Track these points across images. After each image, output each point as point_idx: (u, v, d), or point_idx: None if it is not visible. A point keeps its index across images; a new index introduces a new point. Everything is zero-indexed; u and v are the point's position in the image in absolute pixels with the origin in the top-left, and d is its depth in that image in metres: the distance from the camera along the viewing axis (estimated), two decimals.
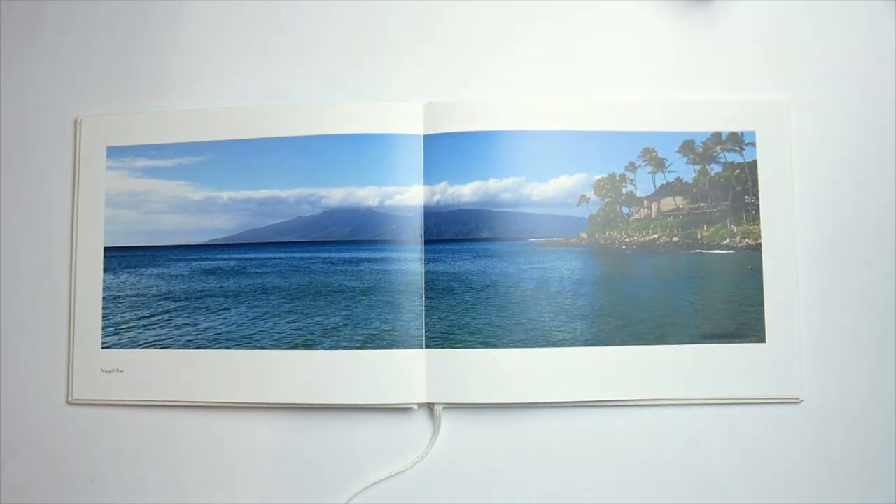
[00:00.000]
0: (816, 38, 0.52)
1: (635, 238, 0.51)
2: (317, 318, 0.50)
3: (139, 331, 0.51)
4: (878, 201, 0.50)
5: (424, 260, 0.50)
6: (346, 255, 0.52)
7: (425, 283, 0.50)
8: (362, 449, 0.50)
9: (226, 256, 0.53)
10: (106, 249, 0.52)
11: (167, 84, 0.54)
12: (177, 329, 0.51)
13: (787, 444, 0.48)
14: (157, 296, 0.52)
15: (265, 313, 0.51)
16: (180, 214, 0.53)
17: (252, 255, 0.53)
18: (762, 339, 0.48)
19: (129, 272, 0.52)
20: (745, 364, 0.48)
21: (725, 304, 0.49)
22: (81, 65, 0.54)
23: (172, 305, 0.52)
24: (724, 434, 0.49)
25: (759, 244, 0.50)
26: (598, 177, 0.51)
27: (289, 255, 0.53)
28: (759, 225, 0.50)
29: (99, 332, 0.51)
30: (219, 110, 0.53)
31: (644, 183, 0.51)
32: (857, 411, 0.49)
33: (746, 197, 0.50)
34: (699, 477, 0.49)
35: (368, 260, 0.51)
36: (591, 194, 0.51)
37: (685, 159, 0.51)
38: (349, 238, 0.52)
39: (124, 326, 0.51)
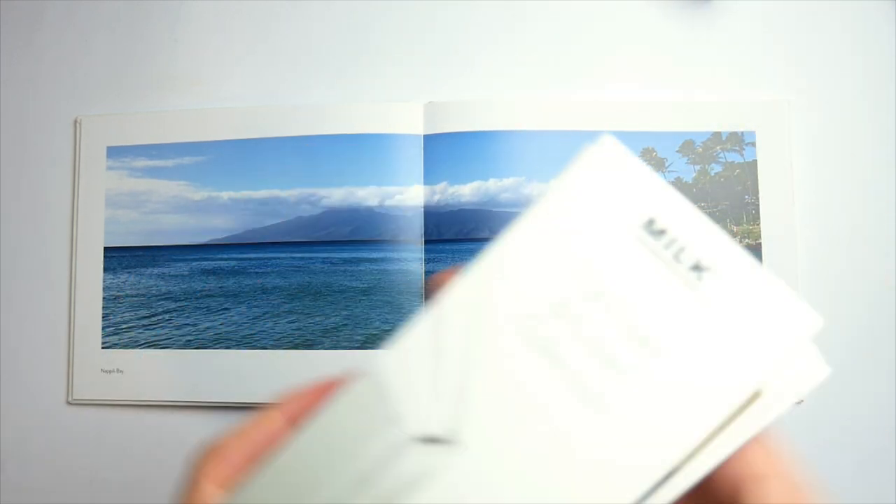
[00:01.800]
0: (816, 38, 0.51)
1: None
2: (317, 318, 0.50)
3: (139, 331, 0.51)
4: (878, 201, 0.50)
5: (424, 260, 0.50)
6: (346, 255, 0.52)
7: (425, 283, 0.50)
8: None
9: (226, 256, 0.53)
10: (106, 249, 0.52)
11: (167, 84, 0.54)
12: (177, 329, 0.51)
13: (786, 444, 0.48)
14: (157, 296, 0.52)
15: (265, 313, 0.51)
16: (180, 214, 0.53)
17: (252, 255, 0.53)
18: None
19: (129, 272, 0.52)
20: None
21: None
22: (81, 65, 0.54)
23: (172, 305, 0.52)
24: None
25: (759, 244, 0.50)
26: None
27: (289, 255, 0.53)
28: (759, 225, 0.50)
29: (99, 332, 0.51)
30: (219, 110, 0.53)
31: None
32: (857, 411, 0.48)
33: (746, 197, 0.50)
34: None
35: (368, 260, 0.51)
36: None
37: (685, 159, 0.51)
38: (349, 238, 0.52)
39: (124, 326, 0.51)
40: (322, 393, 0.23)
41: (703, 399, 0.19)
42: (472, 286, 0.20)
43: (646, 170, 0.20)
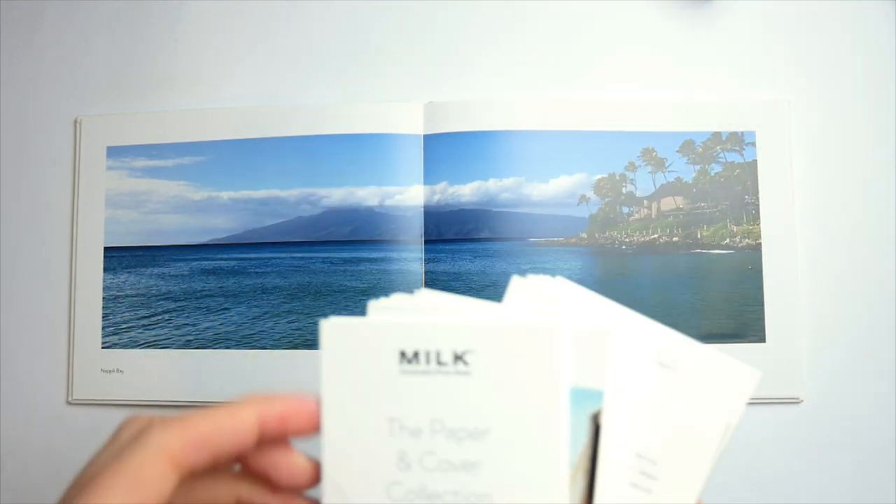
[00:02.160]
0: (816, 38, 0.52)
1: (635, 238, 0.51)
2: (317, 318, 0.50)
3: (139, 331, 0.51)
4: (878, 201, 0.50)
5: (424, 260, 0.50)
6: (346, 255, 0.52)
7: (425, 283, 0.50)
8: None
9: (226, 256, 0.53)
10: (106, 249, 0.52)
11: (167, 84, 0.54)
12: (177, 329, 0.51)
13: (787, 444, 0.48)
14: (157, 296, 0.52)
15: (265, 313, 0.51)
16: (180, 214, 0.53)
17: (252, 255, 0.53)
18: (762, 339, 0.48)
19: (129, 272, 0.52)
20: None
21: (725, 304, 0.49)
22: (81, 65, 0.54)
23: (172, 305, 0.52)
24: None
25: (759, 244, 0.50)
26: (598, 177, 0.51)
27: (289, 255, 0.53)
28: (759, 225, 0.50)
29: (99, 332, 0.51)
30: (219, 110, 0.53)
31: (644, 183, 0.51)
32: (857, 411, 0.49)
33: (746, 197, 0.50)
34: None
35: (368, 260, 0.51)
36: (591, 194, 0.51)
37: (685, 159, 0.51)
38: (349, 238, 0.52)
39: (124, 326, 0.51)
40: (293, 409, 0.25)
41: (539, 449, 0.24)
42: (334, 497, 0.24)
43: (371, 322, 0.26)
